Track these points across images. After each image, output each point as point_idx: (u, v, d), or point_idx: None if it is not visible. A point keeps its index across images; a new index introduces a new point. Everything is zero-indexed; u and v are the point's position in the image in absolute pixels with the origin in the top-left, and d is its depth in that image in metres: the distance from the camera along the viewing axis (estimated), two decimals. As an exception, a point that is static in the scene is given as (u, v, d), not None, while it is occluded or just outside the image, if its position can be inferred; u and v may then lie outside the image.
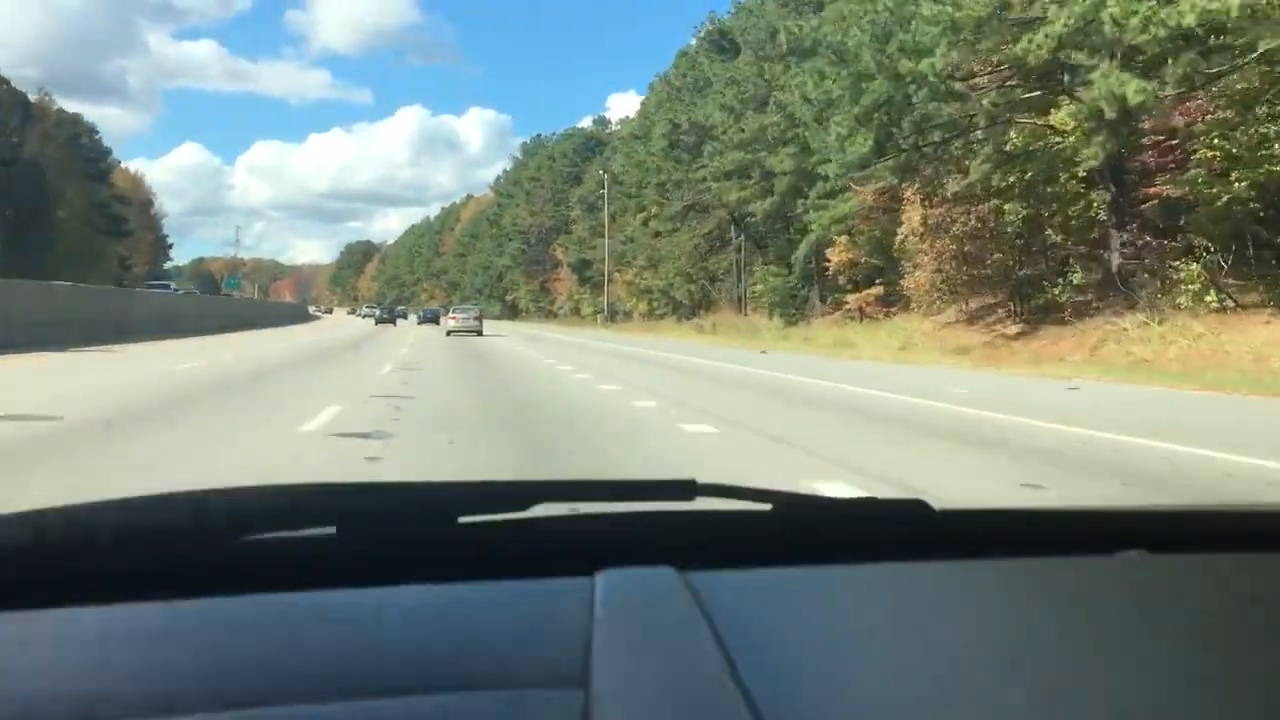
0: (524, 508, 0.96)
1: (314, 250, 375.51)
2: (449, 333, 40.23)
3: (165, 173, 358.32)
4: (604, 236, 65.89)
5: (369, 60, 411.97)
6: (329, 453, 6.81)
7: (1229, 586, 0.98)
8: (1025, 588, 0.97)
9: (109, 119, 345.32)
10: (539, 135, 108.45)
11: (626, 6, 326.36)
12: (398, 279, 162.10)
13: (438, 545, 0.93)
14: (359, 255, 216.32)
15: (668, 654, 0.70)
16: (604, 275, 65.73)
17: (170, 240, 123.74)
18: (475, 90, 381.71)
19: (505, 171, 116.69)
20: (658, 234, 55.90)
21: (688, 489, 1.00)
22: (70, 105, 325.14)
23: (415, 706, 0.66)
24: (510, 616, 0.81)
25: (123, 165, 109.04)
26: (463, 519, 0.92)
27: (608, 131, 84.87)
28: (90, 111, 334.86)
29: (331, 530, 0.89)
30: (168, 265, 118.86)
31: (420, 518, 0.94)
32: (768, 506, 1.03)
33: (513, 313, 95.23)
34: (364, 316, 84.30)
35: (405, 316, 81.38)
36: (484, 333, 39.54)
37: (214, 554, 0.89)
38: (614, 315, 62.48)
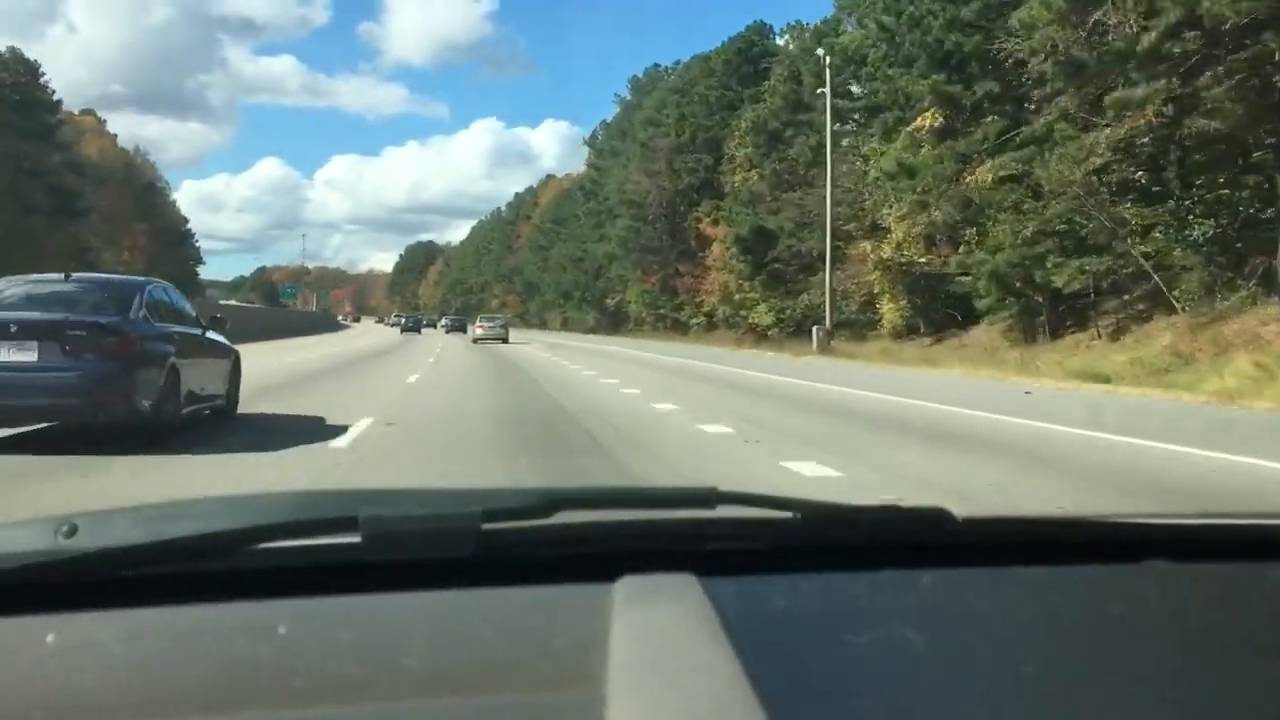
0: (547, 515, 0.96)
1: (388, 263, 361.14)
2: (475, 340, 42.11)
3: (247, 187, 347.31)
4: (809, 184, 36.60)
5: (443, 74, 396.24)
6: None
7: (1255, 596, 0.98)
8: (1048, 596, 0.96)
9: (192, 133, 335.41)
10: (656, 65, 77.18)
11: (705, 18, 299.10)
12: (463, 283, 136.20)
13: (460, 552, 0.92)
14: (420, 258, 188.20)
15: (686, 661, 0.70)
16: (814, 254, 36.23)
17: (198, 240, 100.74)
18: (548, 102, 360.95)
19: (604, 124, 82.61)
20: (968, 158, 26.73)
21: (709, 497, 1.01)
22: (153, 120, 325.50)
23: (435, 710, 0.68)
24: (530, 622, 0.82)
25: (105, 126, 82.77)
26: (486, 525, 0.92)
27: (773, 40, 54.23)
28: (173, 127, 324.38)
29: (355, 536, 0.90)
30: (208, 273, 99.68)
31: (443, 524, 0.94)
32: (789, 514, 1.02)
33: (615, 323, 67.07)
34: (391, 325, 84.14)
35: (434, 326, 79.81)
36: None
37: (239, 560, 0.91)
38: (827, 330, 32.70)
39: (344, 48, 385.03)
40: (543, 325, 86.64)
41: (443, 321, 77.05)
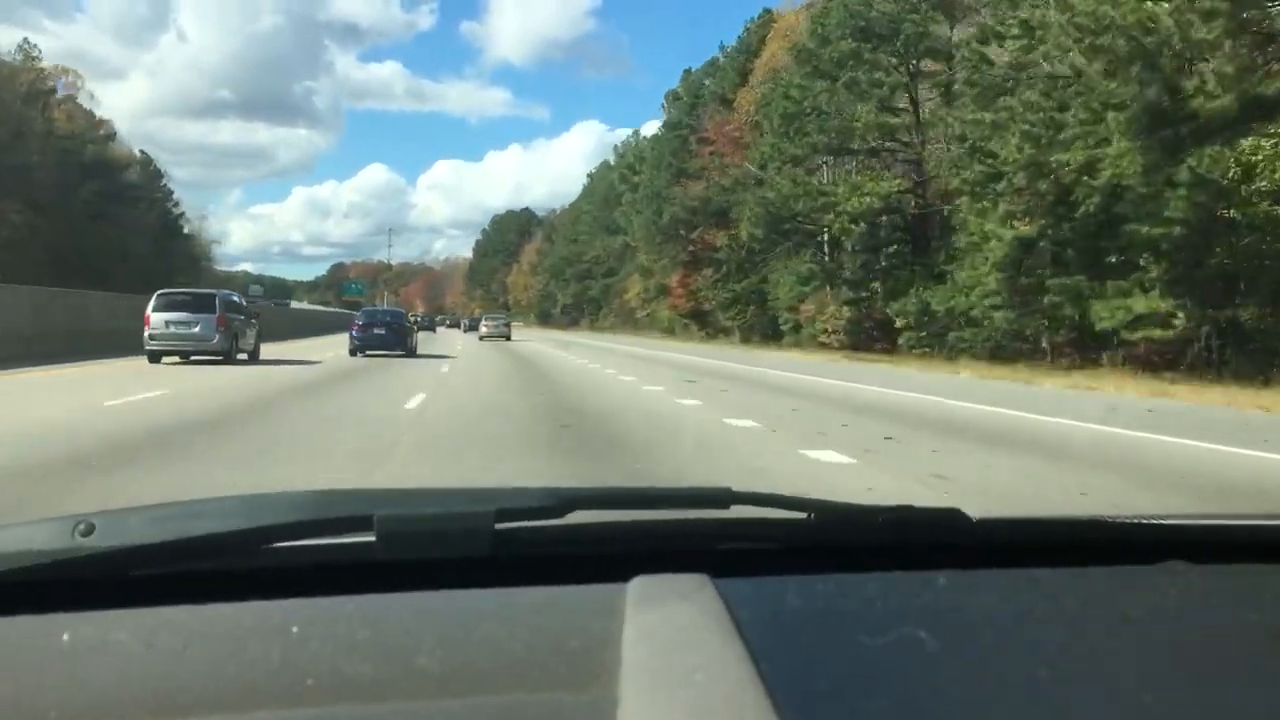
0: (561, 515, 0.97)
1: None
2: (481, 338, 47.01)
3: (352, 193, 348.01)
4: None
5: (545, 74, 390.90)
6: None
7: (1272, 597, 0.97)
8: (1064, 597, 0.95)
9: (300, 139, 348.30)
10: None
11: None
12: (577, 261, 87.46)
13: (475, 551, 0.93)
14: (511, 234, 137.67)
15: (699, 661, 0.70)
16: None
17: (184, 220, 70.93)
18: (649, 103, 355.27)
19: None
20: None
21: (723, 497, 1.02)
22: (261, 126, 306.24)
23: (448, 710, 0.68)
24: (544, 622, 0.82)
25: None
26: (500, 525, 0.93)
27: None
28: (282, 133, 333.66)
29: (370, 536, 0.91)
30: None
31: (457, 523, 0.95)
32: (803, 515, 1.02)
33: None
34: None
35: (457, 325, 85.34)
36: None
37: (253, 560, 0.92)
38: None
39: (448, 52, 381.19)
40: (776, 336, 40.18)
41: (464, 322, 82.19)
